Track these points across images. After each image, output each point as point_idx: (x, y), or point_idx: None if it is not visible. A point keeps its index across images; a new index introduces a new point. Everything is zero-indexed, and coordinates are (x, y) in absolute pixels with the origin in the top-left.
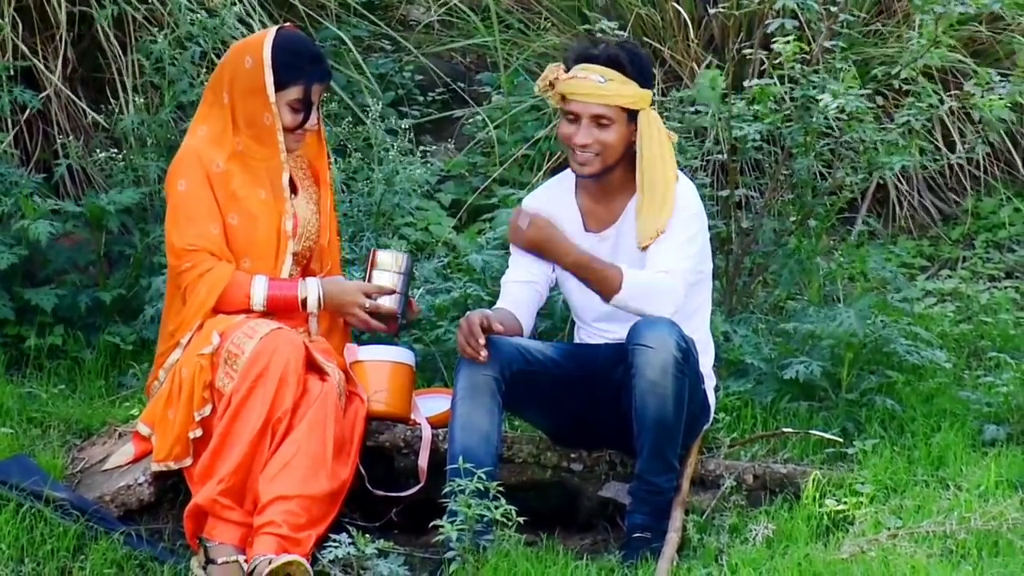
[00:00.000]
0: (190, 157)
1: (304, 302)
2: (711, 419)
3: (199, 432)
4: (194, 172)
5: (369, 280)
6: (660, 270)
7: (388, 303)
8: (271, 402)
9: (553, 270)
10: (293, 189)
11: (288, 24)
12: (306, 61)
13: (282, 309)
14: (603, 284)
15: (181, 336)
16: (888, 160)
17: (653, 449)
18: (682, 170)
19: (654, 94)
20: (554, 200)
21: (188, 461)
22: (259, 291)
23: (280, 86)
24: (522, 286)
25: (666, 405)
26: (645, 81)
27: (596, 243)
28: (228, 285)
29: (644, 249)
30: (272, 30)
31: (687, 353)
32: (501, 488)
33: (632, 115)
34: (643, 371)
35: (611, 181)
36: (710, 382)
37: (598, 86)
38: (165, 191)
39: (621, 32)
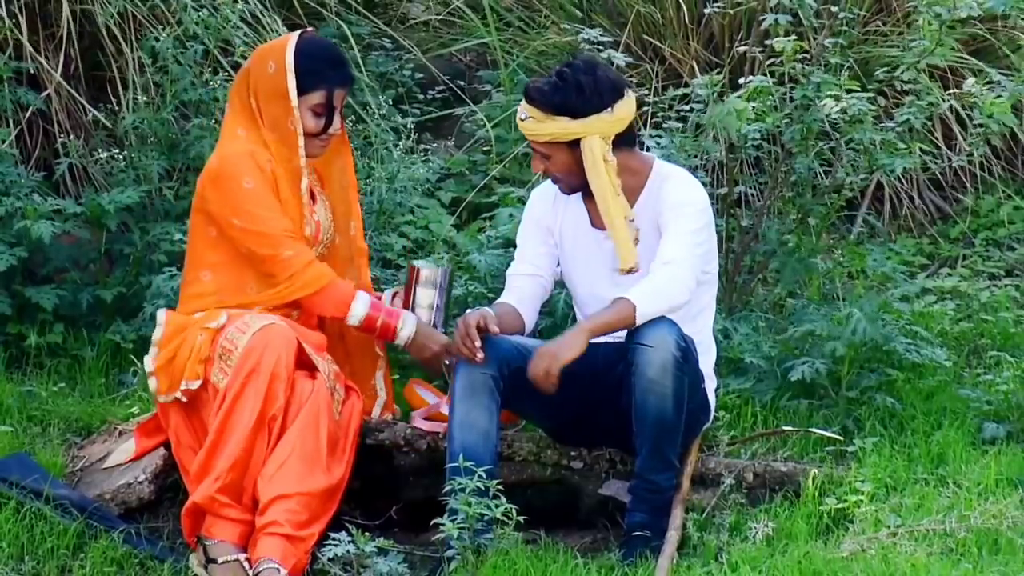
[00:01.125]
0: (244, 157)
1: (397, 332)
2: (711, 418)
3: (183, 397)
4: (254, 170)
5: (412, 295)
6: (662, 262)
7: (428, 317)
8: (264, 397)
9: (558, 264)
10: (311, 194)
11: (310, 29)
12: (328, 66)
13: (374, 333)
14: (624, 323)
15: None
16: (889, 162)
17: (653, 448)
18: (682, 167)
19: (652, 94)
20: (562, 195)
21: (163, 399)
22: (360, 309)
23: (302, 91)
24: (527, 279)
25: (666, 404)
26: (580, 111)
27: (602, 240)
28: (327, 286)
29: (624, 272)
30: (294, 35)
31: (686, 352)
32: (501, 486)
33: (578, 141)
34: (643, 370)
35: None
36: (711, 383)
37: (521, 122)
38: (217, 194)
39: (605, 39)
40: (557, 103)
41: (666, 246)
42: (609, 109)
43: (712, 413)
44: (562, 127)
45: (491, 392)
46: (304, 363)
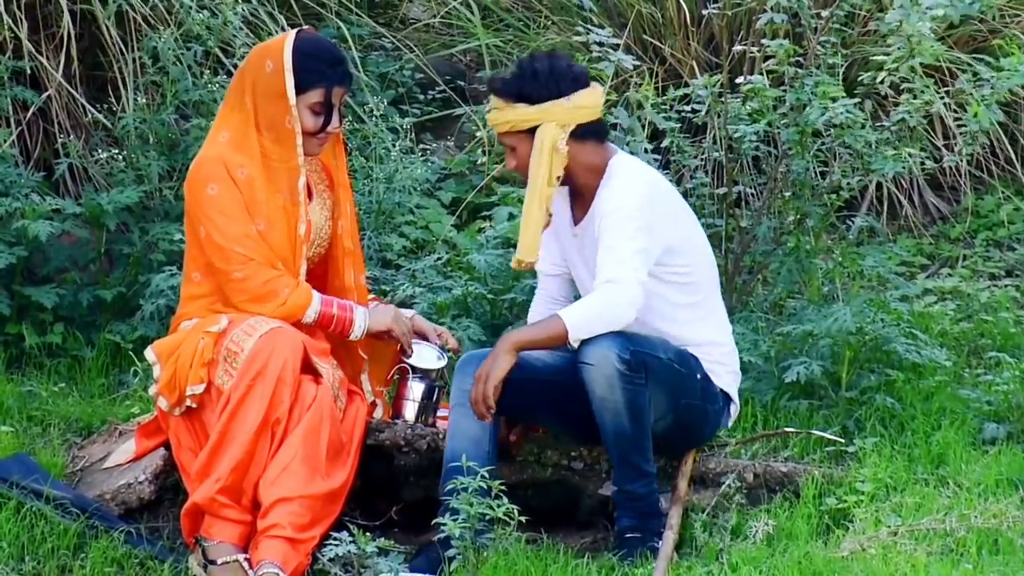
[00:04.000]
0: (215, 163)
1: (353, 326)
2: (721, 425)
3: (194, 404)
4: (222, 177)
5: (403, 390)
6: (604, 279)
7: (410, 413)
8: (269, 401)
9: (562, 258)
10: (308, 194)
11: (308, 27)
12: (326, 65)
13: (330, 329)
14: (555, 341)
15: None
16: (881, 167)
17: (620, 459)
18: (682, 167)
19: (651, 88)
20: (556, 197)
21: (177, 412)
22: (313, 307)
23: (300, 89)
24: (549, 278)
25: (620, 418)
26: (536, 97)
27: (572, 238)
28: (284, 306)
29: (517, 267)
30: (292, 33)
31: (632, 363)
32: (503, 487)
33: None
34: (592, 388)
35: (575, 181)
36: (733, 384)
37: (487, 114)
38: (190, 197)
39: (615, 40)
40: (515, 90)
41: (603, 261)
42: (566, 97)
43: (720, 427)
44: (519, 114)
45: None
46: (308, 368)
